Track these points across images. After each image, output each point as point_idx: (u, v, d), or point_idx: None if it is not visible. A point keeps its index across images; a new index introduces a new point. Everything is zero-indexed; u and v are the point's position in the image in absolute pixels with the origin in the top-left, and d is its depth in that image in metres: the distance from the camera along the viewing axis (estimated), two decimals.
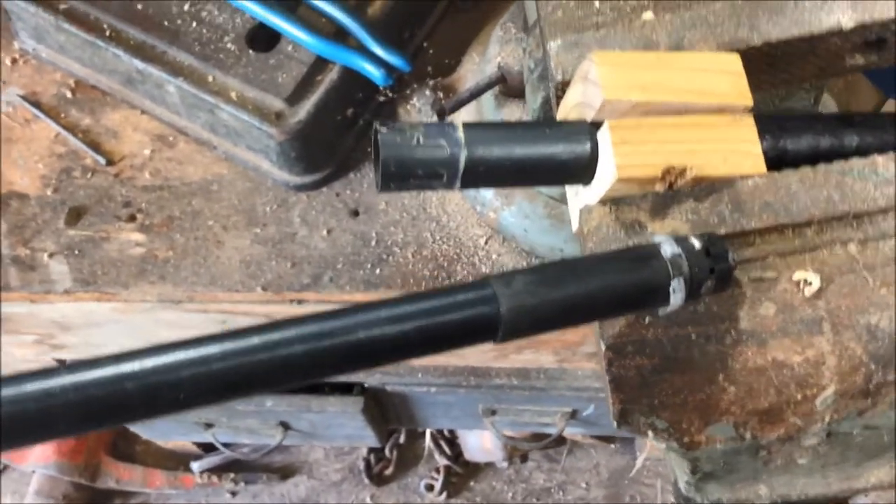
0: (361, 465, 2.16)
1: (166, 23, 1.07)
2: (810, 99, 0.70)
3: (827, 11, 0.59)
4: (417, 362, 1.31)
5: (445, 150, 0.53)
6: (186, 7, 1.08)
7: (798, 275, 0.55)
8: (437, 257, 1.11)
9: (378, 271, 1.10)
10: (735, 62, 0.57)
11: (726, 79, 0.56)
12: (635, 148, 0.54)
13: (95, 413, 0.42)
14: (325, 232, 1.12)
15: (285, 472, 2.19)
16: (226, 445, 1.66)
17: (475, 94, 1.01)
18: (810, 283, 0.55)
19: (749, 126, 0.56)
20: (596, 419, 1.51)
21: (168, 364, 0.43)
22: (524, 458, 2.15)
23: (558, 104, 0.61)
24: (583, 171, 0.56)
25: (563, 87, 0.60)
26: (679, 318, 0.54)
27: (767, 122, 0.58)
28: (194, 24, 1.07)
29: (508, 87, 1.01)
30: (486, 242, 1.12)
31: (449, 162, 0.53)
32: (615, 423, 0.56)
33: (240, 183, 1.14)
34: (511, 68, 0.99)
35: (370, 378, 1.37)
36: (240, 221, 1.12)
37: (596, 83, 0.54)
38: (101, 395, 0.42)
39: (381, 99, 1.13)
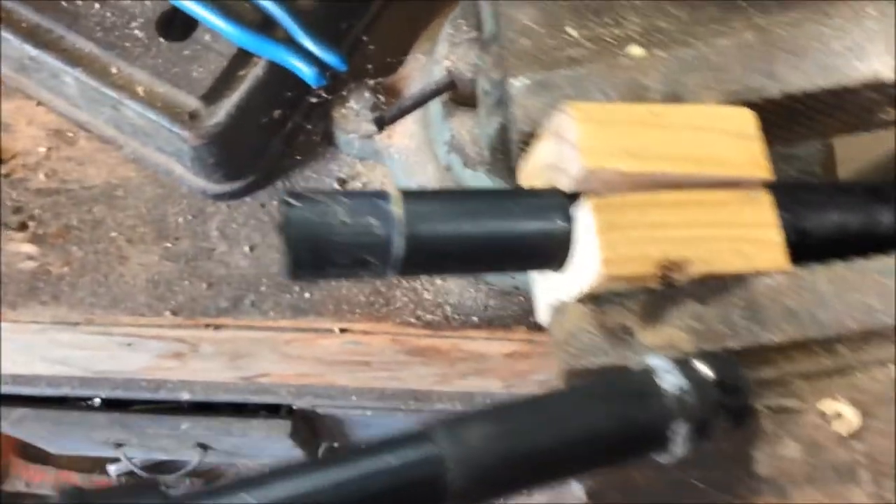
0: None
1: (64, 3, 0.93)
2: (817, 143, 0.58)
3: (861, 58, 0.47)
4: (349, 383, 1.19)
5: (376, 230, 0.40)
6: None
7: (828, 406, 0.43)
8: (375, 281, 0.98)
9: (307, 295, 0.98)
10: (747, 121, 0.45)
11: (737, 142, 0.44)
12: (625, 234, 0.41)
13: None
14: (247, 248, 0.99)
15: (213, 476, 2.06)
16: None
17: (420, 101, 0.88)
18: (843, 417, 0.43)
19: (766, 206, 0.44)
20: None
21: None
22: None
23: (521, 157, 0.48)
24: (555, 255, 0.44)
25: (528, 140, 0.47)
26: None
27: (782, 194, 0.46)
28: (97, 5, 0.93)
29: (459, 94, 0.89)
30: None
31: (381, 248, 0.40)
32: None
33: (149, 189, 1.00)
34: (462, 74, 0.86)
35: (299, 400, 1.24)
36: (148, 234, 0.99)
37: (573, 145, 0.42)
38: None
39: (314, 100, 1.00)
